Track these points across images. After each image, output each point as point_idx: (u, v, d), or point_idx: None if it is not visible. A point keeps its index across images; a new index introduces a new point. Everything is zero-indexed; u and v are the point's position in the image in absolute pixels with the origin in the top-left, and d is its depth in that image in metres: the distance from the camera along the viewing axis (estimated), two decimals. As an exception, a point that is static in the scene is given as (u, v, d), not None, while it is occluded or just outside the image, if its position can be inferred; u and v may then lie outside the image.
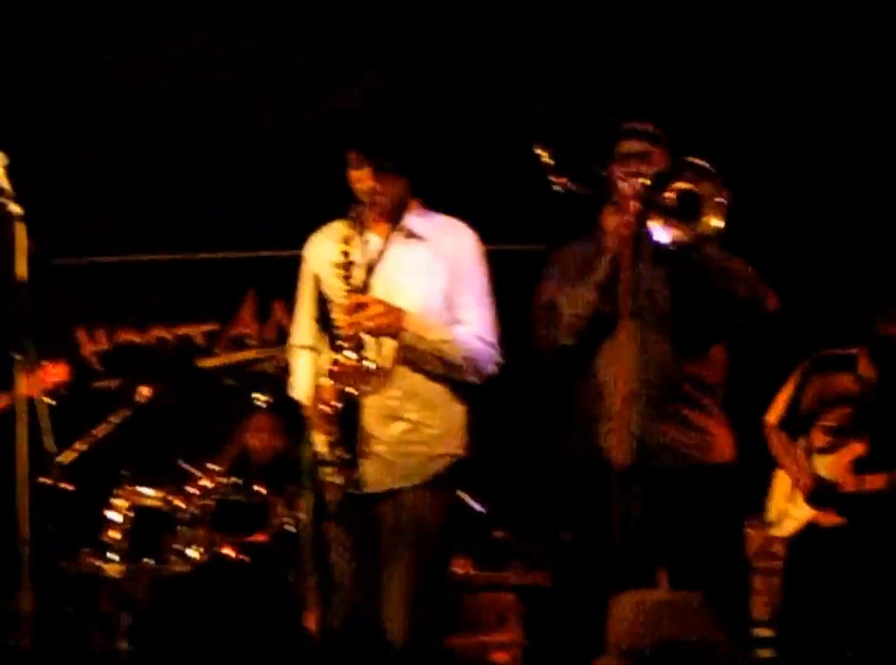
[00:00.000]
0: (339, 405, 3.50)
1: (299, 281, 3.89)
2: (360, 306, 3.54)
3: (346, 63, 6.03)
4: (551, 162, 3.66)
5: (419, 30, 5.84)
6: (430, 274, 3.71)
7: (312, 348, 3.72)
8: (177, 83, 6.46)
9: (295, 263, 3.95)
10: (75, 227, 6.36)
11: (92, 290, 6.72)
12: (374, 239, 3.72)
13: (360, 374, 3.51)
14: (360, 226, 3.67)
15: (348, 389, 3.51)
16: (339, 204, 3.74)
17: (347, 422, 3.53)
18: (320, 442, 3.56)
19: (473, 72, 6.05)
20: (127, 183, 6.45)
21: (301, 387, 3.75)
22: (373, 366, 3.53)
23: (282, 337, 5.45)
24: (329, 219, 3.87)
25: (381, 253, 3.69)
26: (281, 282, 4.01)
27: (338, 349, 3.55)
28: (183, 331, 6.73)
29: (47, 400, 3.47)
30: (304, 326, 3.82)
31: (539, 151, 3.66)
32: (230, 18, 6.15)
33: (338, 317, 3.58)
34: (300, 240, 3.97)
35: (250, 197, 6.47)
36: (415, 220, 3.77)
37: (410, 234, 3.74)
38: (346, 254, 3.57)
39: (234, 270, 6.73)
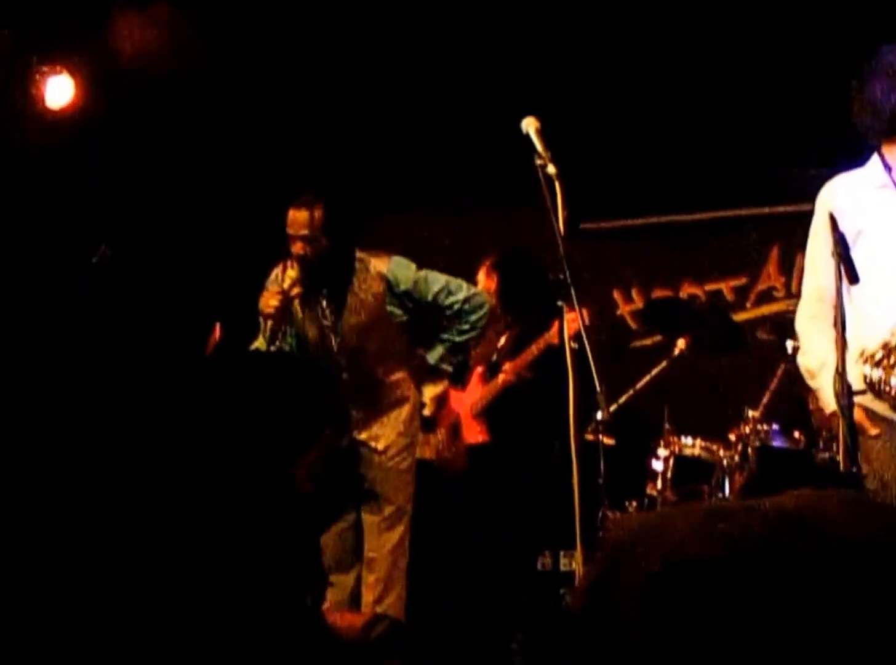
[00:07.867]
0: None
1: (812, 229, 3.83)
2: None
3: None
4: None
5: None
6: None
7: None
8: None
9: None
10: (604, 191, 6.58)
11: (626, 252, 6.96)
12: None
13: None
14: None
15: None
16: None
17: None
18: (855, 374, 3.50)
19: None
20: (648, 141, 6.57)
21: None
22: None
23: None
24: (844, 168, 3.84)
25: None
26: (804, 234, 4.01)
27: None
28: (713, 286, 6.84)
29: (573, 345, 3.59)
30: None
31: None
32: None
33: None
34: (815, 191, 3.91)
35: (766, 153, 6.41)
36: None
37: None
38: None
39: (760, 225, 6.75)
